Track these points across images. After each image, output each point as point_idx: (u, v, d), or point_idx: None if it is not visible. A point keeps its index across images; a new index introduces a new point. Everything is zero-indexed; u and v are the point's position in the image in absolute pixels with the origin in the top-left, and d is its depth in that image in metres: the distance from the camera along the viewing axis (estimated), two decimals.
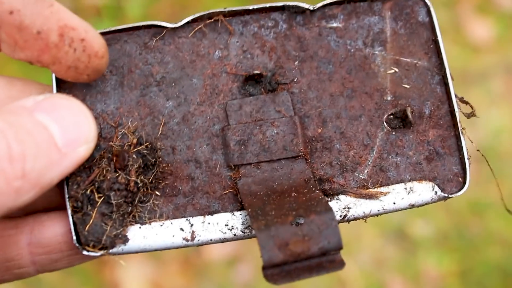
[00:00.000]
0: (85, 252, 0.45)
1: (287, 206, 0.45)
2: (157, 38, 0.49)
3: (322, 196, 0.46)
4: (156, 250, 0.46)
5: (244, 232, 0.47)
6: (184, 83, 0.48)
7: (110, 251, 0.45)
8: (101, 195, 0.45)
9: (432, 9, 0.50)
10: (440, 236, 1.56)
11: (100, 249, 0.45)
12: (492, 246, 1.55)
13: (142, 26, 0.49)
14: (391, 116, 0.49)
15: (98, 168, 0.45)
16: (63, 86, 0.49)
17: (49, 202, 0.51)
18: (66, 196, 0.45)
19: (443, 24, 1.80)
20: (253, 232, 0.46)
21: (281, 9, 0.49)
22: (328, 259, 0.44)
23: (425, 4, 0.51)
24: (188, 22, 0.49)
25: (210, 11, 0.48)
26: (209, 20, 0.49)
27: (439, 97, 0.50)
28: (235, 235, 0.47)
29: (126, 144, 0.46)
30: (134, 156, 0.45)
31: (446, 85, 0.50)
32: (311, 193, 0.46)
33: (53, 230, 0.48)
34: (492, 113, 1.69)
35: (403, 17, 0.50)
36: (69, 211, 0.45)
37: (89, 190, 0.45)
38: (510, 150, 1.66)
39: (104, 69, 0.46)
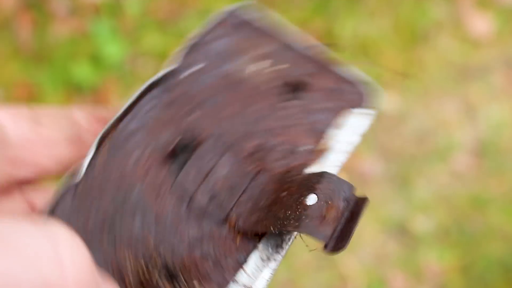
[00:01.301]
0: None
1: (291, 201, 0.45)
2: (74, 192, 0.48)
3: (307, 170, 0.47)
4: None
5: (279, 251, 0.47)
6: (131, 196, 0.48)
7: None
8: None
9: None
10: (441, 231, 1.56)
11: None
12: (493, 241, 1.55)
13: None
14: (286, 90, 0.51)
15: None
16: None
17: None
18: None
19: (443, 19, 1.80)
20: (285, 245, 0.46)
21: (155, 85, 0.50)
22: (355, 203, 0.45)
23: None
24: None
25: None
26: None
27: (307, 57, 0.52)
28: (275, 259, 0.46)
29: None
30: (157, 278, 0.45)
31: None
32: (297, 177, 0.47)
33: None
34: (492, 108, 1.69)
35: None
36: None
37: None
38: (510, 144, 1.66)
39: None
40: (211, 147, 0.49)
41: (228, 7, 0.54)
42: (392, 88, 1.70)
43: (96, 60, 1.61)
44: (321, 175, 0.45)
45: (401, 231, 1.55)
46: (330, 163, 0.49)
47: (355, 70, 0.53)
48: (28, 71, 1.60)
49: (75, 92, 1.59)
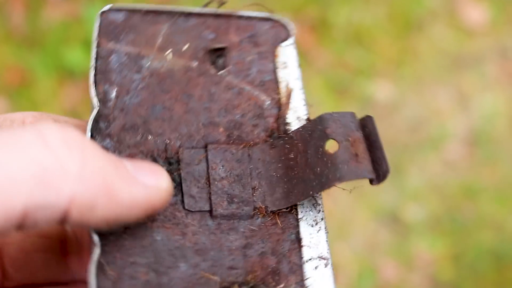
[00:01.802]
0: None
1: (311, 159, 0.44)
2: None
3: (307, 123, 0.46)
4: None
5: (319, 209, 0.45)
6: (159, 248, 0.44)
7: None
8: None
9: None
10: (432, 220, 1.56)
11: None
12: (484, 230, 1.56)
13: None
14: (209, 63, 0.49)
15: None
16: None
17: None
18: None
19: (437, 8, 1.79)
20: (320, 200, 0.45)
21: (93, 136, 0.47)
22: (364, 126, 0.44)
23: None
24: None
25: None
26: None
27: None
28: (322, 218, 0.45)
29: None
30: None
31: None
32: (291, 134, 0.46)
33: None
34: (486, 97, 1.69)
35: None
36: None
37: None
38: (503, 134, 1.66)
39: None
40: (190, 154, 0.46)
41: (94, 22, 0.49)
42: (385, 77, 1.70)
43: (89, 45, 1.60)
44: (322, 118, 0.44)
45: (393, 220, 1.55)
46: (299, 103, 0.48)
47: (251, 11, 0.50)
48: (20, 55, 1.59)
49: (67, 77, 1.58)
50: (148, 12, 0.49)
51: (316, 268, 0.43)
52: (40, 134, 0.33)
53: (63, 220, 0.34)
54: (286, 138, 0.46)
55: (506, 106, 1.69)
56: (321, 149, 0.43)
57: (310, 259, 0.44)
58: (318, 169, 0.43)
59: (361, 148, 0.43)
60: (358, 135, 0.43)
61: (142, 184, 0.38)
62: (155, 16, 0.49)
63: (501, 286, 1.52)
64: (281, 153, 0.45)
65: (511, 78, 1.73)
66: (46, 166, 0.32)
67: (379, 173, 0.43)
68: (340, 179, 0.42)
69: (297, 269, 0.43)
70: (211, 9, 0.50)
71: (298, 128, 0.45)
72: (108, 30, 0.48)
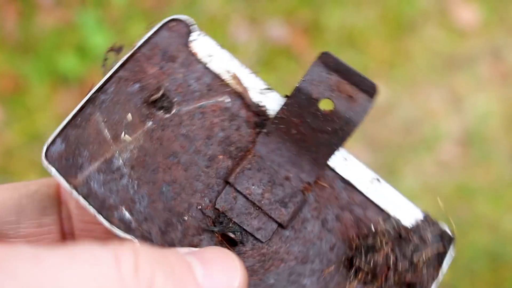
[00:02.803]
0: None
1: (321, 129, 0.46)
2: None
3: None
4: None
5: (348, 157, 0.47)
6: None
7: None
8: None
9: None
10: None
11: None
12: (479, 230, 1.56)
13: None
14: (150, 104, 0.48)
15: None
16: None
17: None
18: None
19: (430, 9, 1.80)
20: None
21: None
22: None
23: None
24: None
25: None
26: None
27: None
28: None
29: None
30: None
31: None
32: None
33: None
34: (478, 98, 1.70)
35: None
36: None
37: None
38: (496, 134, 1.67)
39: None
40: (224, 200, 0.46)
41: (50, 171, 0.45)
42: (378, 79, 1.70)
43: (82, 51, 1.60)
44: (301, 88, 0.45)
45: None
46: (249, 79, 0.48)
47: (143, 34, 0.48)
48: (14, 62, 1.59)
49: (61, 83, 1.58)
50: (74, 117, 0.46)
51: (376, 190, 0.47)
52: (115, 261, 0.34)
53: None
54: (277, 120, 0.46)
55: (499, 106, 1.69)
56: (318, 112, 0.45)
57: (367, 190, 0.47)
58: (329, 128, 0.45)
59: (347, 87, 0.45)
60: (336, 77, 0.45)
61: None
62: (82, 115, 0.46)
63: (496, 286, 1.53)
64: (281, 135, 0.46)
65: (504, 78, 1.74)
66: None
67: (370, 92, 0.45)
68: (356, 124, 0.45)
69: (366, 203, 0.47)
70: (115, 63, 0.48)
71: (282, 107, 0.46)
72: (65, 167, 0.45)
